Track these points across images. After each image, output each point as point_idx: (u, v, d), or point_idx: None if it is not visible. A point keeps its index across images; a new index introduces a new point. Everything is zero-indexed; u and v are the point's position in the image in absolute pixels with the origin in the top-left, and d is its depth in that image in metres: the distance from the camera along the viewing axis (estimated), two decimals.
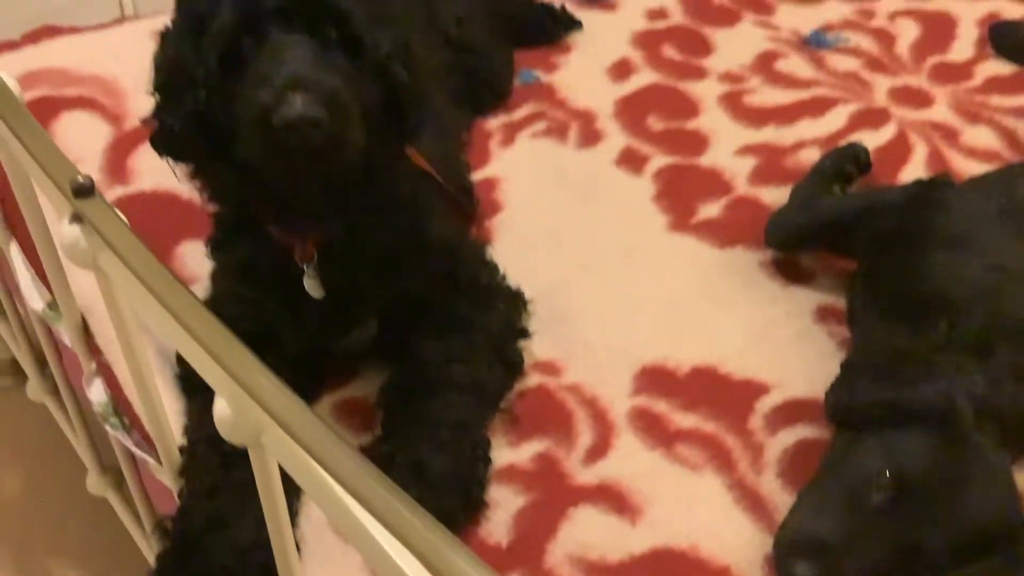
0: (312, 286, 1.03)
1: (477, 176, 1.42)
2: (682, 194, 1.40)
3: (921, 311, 1.08)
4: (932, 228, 1.13)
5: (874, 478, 0.93)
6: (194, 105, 0.91)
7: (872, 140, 1.44)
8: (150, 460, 1.07)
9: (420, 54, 1.01)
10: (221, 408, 0.67)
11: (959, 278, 1.09)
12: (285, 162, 0.89)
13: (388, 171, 1.02)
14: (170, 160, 0.99)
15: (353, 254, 1.04)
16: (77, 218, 0.77)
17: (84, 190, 0.76)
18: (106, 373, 1.12)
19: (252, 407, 0.65)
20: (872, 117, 1.51)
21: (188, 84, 0.91)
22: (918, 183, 1.22)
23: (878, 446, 0.97)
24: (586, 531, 1.00)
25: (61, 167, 0.80)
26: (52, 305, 1.20)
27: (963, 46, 1.67)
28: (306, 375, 1.09)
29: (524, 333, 1.17)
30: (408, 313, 1.09)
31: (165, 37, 0.98)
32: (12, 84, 0.93)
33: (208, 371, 0.68)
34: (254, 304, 1.04)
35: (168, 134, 0.95)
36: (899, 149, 1.45)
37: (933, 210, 1.15)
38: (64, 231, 0.79)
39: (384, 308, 1.08)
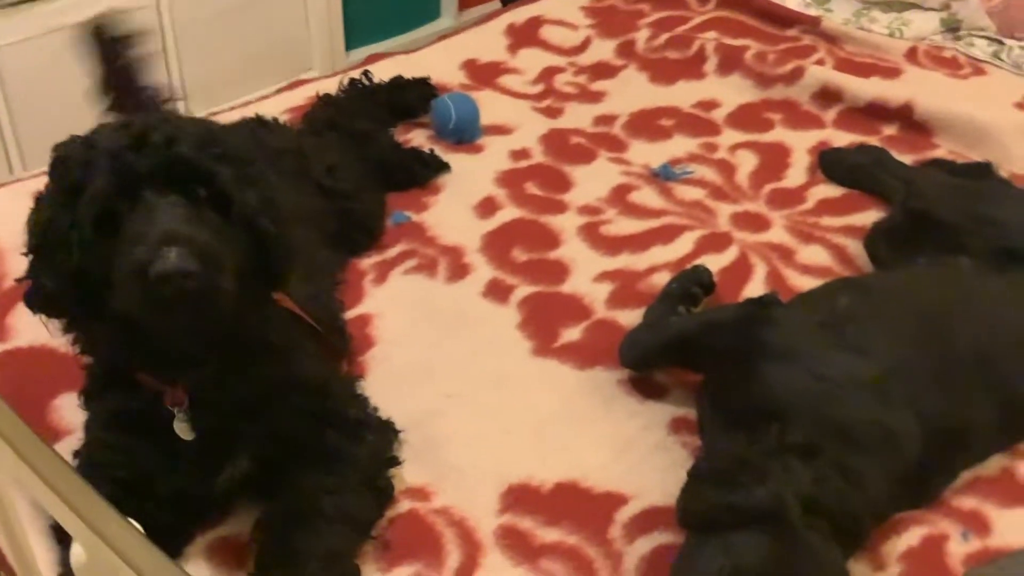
0: (182, 429, 1.08)
1: (352, 313, 1.49)
2: (545, 320, 1.49)
3: (756, 419, 1.17)
4: (761, 342, 1.24)
5: None
6: (68, 264, 0.98)
7: (716, 262, 1.56)
8: None
9: (286, 207, 1.10)
10: (77, 553, 0.72)
11: (787, 387, 1.19)
12: (162, 312, 0.96)
13: (257, 316, 1.10)
14: (43, 317, 1.05)
15: (223, 396, 1.10)
16: None
17: None
18: None
19: (104, 551, 0.69)
20: (716, 241, 1.63)
21: (62, 245, 0.98)
22: (748, 301, 1.33)
23: (719, 547, 1.05)
24: None
25: None
26: None
27: (796, 173, 1.81)
28: (182, 516, 1.13)
29: (394, 461, 1.22)
30: (279, 450, 1.14)
31: (39, 201, 1.04)
32: None
33: (64, 518, 0.73)
34: (126, 450, 1.09)
35: (42, 292, 1.02)
36: (741, 269, 1.58)
37: (761, 326, 1.25)
38: None
39: (255, 447, 1.13)
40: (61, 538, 1.10)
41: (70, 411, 1.25)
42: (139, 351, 1.05)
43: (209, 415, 1.09)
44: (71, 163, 1.00)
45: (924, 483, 1.21)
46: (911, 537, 1.16)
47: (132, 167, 0.97)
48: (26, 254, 1.05)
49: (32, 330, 1.37)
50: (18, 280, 1.06)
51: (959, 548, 1.16)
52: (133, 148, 0.98)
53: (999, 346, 1.28)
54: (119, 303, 0.97)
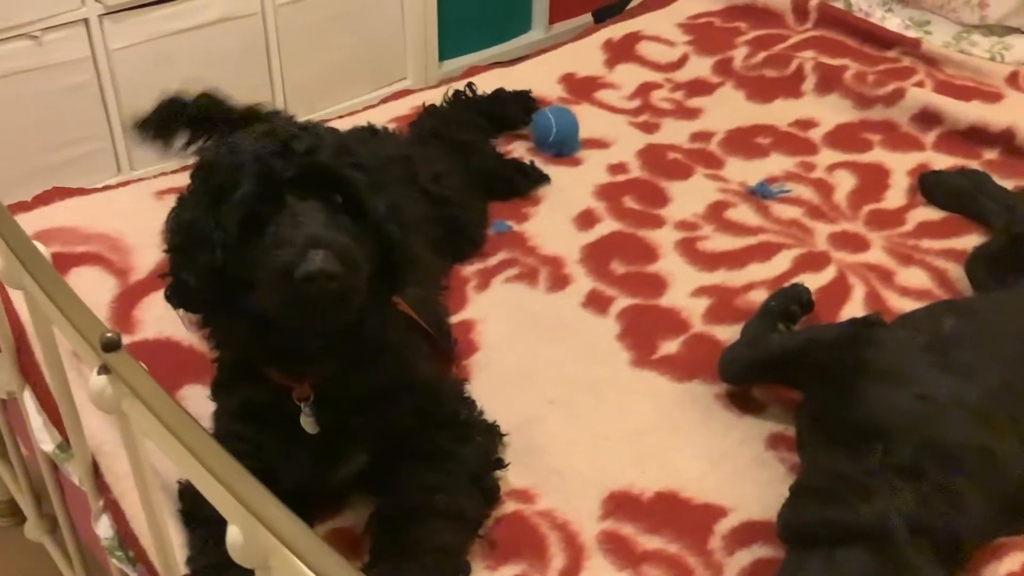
0: (308, 423, 1.13)
1: (455, 319, 1.53)
2: (643, 332, 1.51)
3: (858, 438, 1.18)
4: (864, 362, 1.25)
5: None
6: (210, 262, 1.04)
7: (814, 281, 1.57)
8: None
9: (409, 214, 1.16)
10: (234, 534, 0.77)
11: (890, 407, 1.20)
12: (301, 311, 1.01)
13: (379, 318, 1.15)
14: (181, 312, 1.11)
15: (345, 394, 1.15)
16: (105, 369, 0.88)
17: (112, 344, 0.87)
18: (113, 509, 1.20)
19: (262, 532, 0.74)
20: (814, 260, 1.64)
21: (205, 244, 1.04)
22: (852, 321, 1.34)
23: (822, 563, 1.07)
24: None
25: (90, 324, 0.92)
26: (62, 446, 1.30)
27: (896, 195, 1.81)
28: (299, 507, 1.18)
29: (500, 464, 1.26)
30: (393, 447, 1.19)
31: (182, 202, 1.11)
32: (43, 250, 1.05)
33: (222, 501, 0.78)
34: (253, 442, 1.14)
35: (183, 289, 1.08)
36: (839, 290, 1.58)
37: (866, 346, 1.27)
38: (92, 381, 0.89)
39: (371, 443, 1.18)
40: (188, 522, 1.16)
41: (194, 402, 1.31)
42: (270, 347, 1.10)
43: (330, 411, 1.14)
44: (217, 167, 1.06)
45: None
46: (1012, 562, 1.16)
47: (277, 173, 1.03)
48: (167, 252, 1.11)
49: (158, 323, 1.44)
50: (160, 276, 1.12)
51: None
52: (278, 155, 1.03)
53: None
54: (259, 300, 1.02)
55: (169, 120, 1.55)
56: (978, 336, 1.30)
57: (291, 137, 1.05)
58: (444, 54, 3.22)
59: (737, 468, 1.31)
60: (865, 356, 1.26)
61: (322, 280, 0.97)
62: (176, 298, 1.10)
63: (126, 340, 1.41)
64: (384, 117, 1.96)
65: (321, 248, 0.97)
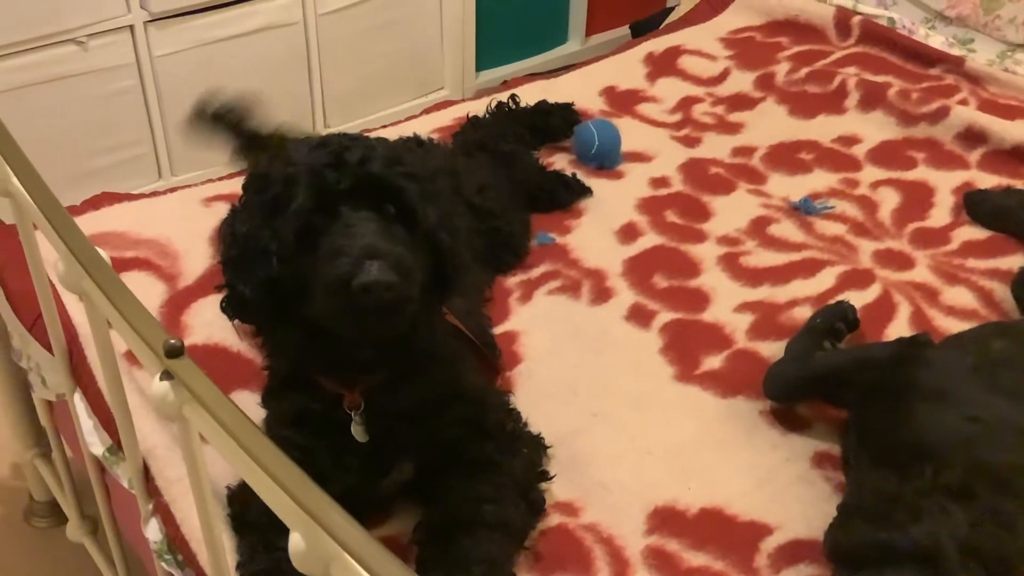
0: (358, 431, 1.14)
1: (498, 330, 1.54)
2: (687, 347, 1.51)
3: (907, 458, 1.18)
4: (914, 382, 1.24)
5: None
6: (266, 274, 1.05)
7: (859, 299, 1.56)
8: None
9: (459, 223, 1.16)
10: (295, 541, 0.77)
11: (940, 428, 1.20)
12: (357, 321, 1.02)
13: (429, 327, 1.15)
14: (237, 322, 1.12)
15: (393, 402, 1.15)
16: (167, 375, 0.89)
17: (175, 350, 0.88)
18: (163, 512, 1.22)
19: (325, 539, 0.75)
20: (858, 278, 1.64)
21: (260, 255, 1.05)
22: (900, 341, 1.34)
23: None
24: None
25: (152, 330, 0.93)
26: (112, 449, 1.31)
27: (940, 213, 1.80)
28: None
29: (545, 476, 1.27)
30: (440, 457, 1.19)
31: (236, 214, 1.12)
32: (103, 255, 1.06)
33: (283, 508, 0.79)
34: (303, 449, 1.14)
35: (239, 299, 1.09)
36: (884, 308, 1.57)
37: (914, 366, 1.26)
38: (153, 386, 0.90)
39: (419, 452, 1.19)
40: (237, 527, 1.17)
41: (243, 408, 1.31)
42: (322, 356, 1.11)
43: (380, 419, 1.15)
44: (272, 179, 1.07)
45: None
46: None
47: (331, 184, 1.04)
48: (221, 263, 1.12)
49: (206, 328, 1.46)
50: (216, 287, 1.14)
51: None
52: (332, 167, 1.04)
53: None
54: (314, 311, 1.03)
55: (229, 125, 1.55)
56: None
57: (344, 148, 1.06)
58: (481, 65, 3.24)
59: (782, 486, 1.30)
60: (914, 376, 1.25)
61: (379, 290, 0.97)
62: (231, 309, 1.11)
63: None
64: (426, 127, 1.98)
65: (377, 258, 0.98)
